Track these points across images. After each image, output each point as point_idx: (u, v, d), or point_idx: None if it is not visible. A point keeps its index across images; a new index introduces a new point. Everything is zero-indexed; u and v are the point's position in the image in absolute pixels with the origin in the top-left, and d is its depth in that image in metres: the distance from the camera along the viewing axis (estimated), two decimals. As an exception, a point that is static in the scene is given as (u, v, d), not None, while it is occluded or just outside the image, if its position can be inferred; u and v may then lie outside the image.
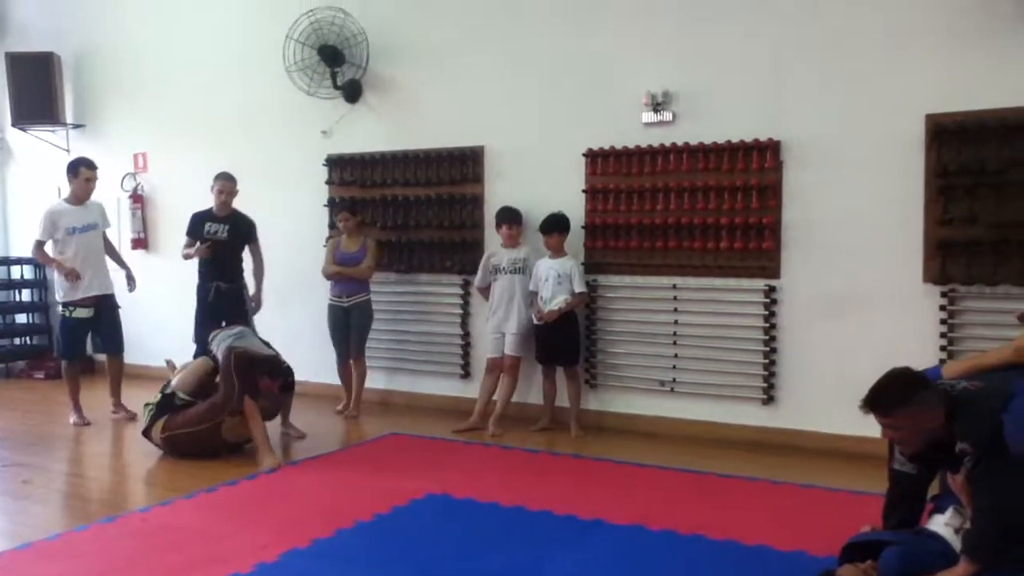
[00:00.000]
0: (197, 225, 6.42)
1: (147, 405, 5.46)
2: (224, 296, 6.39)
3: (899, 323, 5.18)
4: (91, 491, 4.92)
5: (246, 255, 6.60)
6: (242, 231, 6.48)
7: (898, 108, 5.12)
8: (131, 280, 6.60)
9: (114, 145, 8.10)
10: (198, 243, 6.34)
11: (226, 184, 6.36)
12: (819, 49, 5.35)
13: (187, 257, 6.43)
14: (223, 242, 6.38)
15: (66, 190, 6.42)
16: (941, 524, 3.00)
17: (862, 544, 3.09)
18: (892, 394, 3.01)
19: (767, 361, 5.58)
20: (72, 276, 6.14)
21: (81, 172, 6.18)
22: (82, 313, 6.23)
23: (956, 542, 2.90)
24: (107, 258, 6.51)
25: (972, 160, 4.92)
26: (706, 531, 3.90)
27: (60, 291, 6.26)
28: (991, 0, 4.87)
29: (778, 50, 5.46)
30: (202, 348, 6.34)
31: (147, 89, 8.10)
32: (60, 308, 6.29)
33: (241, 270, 6.54)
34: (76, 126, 8.52)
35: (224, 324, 6.20)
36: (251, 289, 6.61)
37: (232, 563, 3.55)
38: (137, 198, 8.19)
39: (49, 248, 6.25)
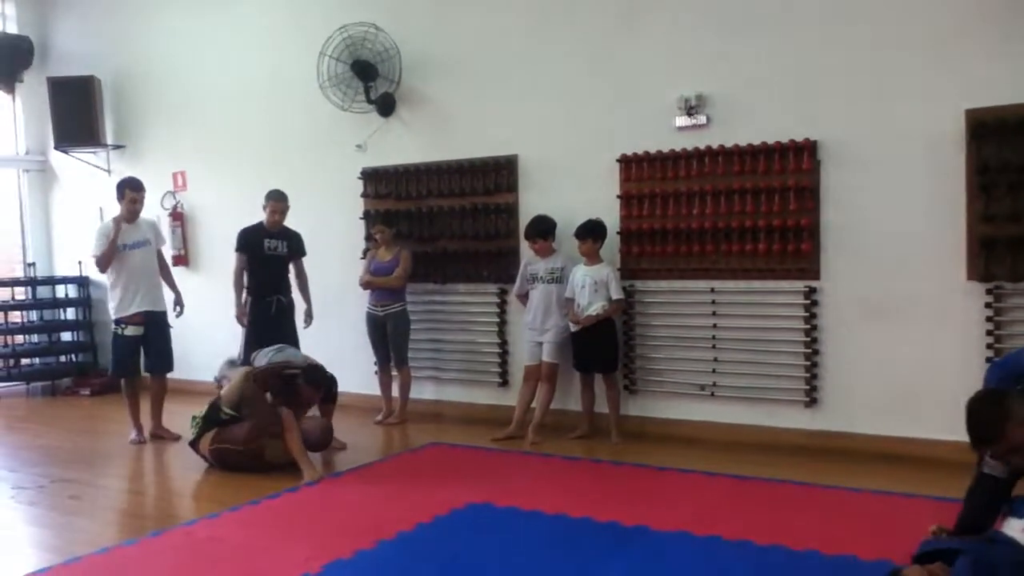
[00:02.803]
0: (253, 240, 6.49)
1: (194, 418, 5.51)
2: (285, 309, 6.52)
3: (943, 322, 5.10)
4: (138, 506, 4.99)
5: None
6: (297, 246, 6.64)
7: (936, 104, 5.05)
8: (179, 304, 6.63)
9: (153, 164, 8.23)
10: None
11: (278, 204, 6.48)
12: (853, 47, 5.28)
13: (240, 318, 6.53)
14: (282, 257, 6.54)
15: (108, 211, 6.49)
16: (1018, 530, 2.92)
17: (932, 552, 3.03)
18: (986, 419, 2.94)
19: (809, 363, 5.52)
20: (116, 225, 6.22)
21: (126, 193, 6.28)
22: (133, 331, 6.27)
23: None
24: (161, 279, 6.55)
25: (1014, 156, 4.82)
26: (752, 536, 3.85)
27: (112, 307, 6.32)
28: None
29: (812, 49, 5.40)
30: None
31: (185, 109, 8.24)
32: (112, 326, 6.34)
33: (290, 283, 6.65)
34: (116, 147, 8.68)
35: (283, 337, 6.31)
36: (297, 303, 6.69)
37: (276, 575, 3.58)
38: (177, 216, 8.32)
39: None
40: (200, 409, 5.52)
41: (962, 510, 3.24)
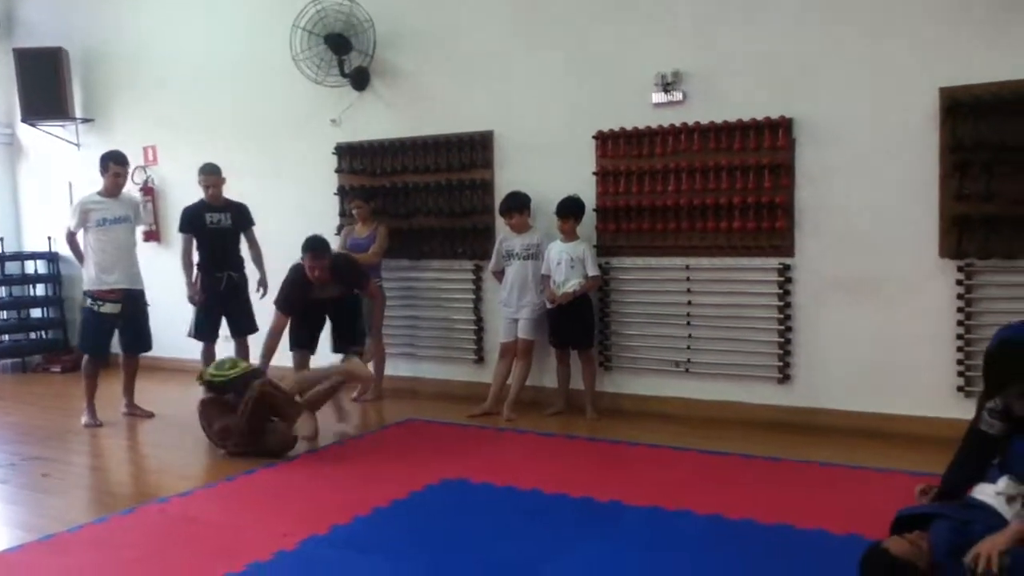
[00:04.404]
0: (195, 218, 6.39)
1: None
2: (236, 285, 6.44)
3: (915, 299, 5.15)
4: (110, 483, 4.96)
5: None
6: (243, 218, 6.52)
7: (911, 83, 5.07)
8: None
9: (123, 139, 8.07)
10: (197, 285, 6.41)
11: (209, 177, 6.36)
12: (829, 25, 5.28)
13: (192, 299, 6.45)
14: (227, 230, 6.43)
15: (77, 185, 6.37)
16: (991, 493, 2.97)
17: (909, 517, 3.07)
18: (1003, 363, 2.96)
19: (782, 340, 5.56)
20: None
21: (110, 167, 6.12)
22: (110, 308, 6.07)
23: (1007, 511, 2.88)
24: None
25: (989, 134, 4.85)
26: (724, 511, 3.89)
27: (88, 282, 6.14)
28: (1004, -31, 4.81)
29: (788, 27, 5.40)
30: (206, 339, 6.36)
31: (155, 82, 8.11)
32: (87, 301, 6.14)
33: (242, 258, 6.56)
34: (85, 120, 8.54)
35: (234, 313, 6.27)
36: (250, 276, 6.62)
37: (251, 551, 3.57)
38: (148, 191, 8.21)
39: (80, 238, 6.19)
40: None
41: (951, 465, 3.25)
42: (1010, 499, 2.91)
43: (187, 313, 6.60)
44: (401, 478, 4.52)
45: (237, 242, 6.53)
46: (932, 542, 2.88)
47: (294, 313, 5.70)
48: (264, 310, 6.55)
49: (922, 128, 5.04)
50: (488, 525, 3.88)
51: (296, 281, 5.63)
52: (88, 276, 6.15)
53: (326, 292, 5.70)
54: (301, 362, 5.88)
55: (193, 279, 6.42)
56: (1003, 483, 2.96)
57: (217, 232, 6.39)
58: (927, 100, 5.02)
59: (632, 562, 3.44)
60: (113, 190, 6.17)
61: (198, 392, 6.13)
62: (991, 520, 2.89)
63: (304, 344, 5.88)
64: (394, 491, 4.30)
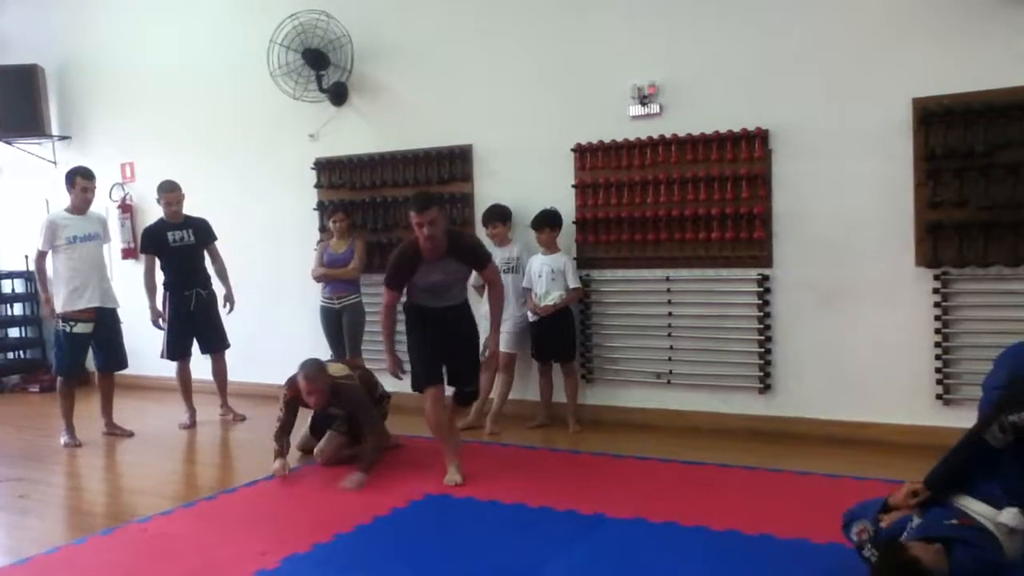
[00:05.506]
0: (157, 237, 6.35)
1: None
2: (205, 302, 6.41)
3: (892, 307, 5.19)
4: (89, 503, 4.90)
5: None
6: (205, 233, 6.49)
7: (884, 93, 5.12)
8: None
9: (101, 155, 8.03)
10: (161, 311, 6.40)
11: (170, 195, 6.33)
12: (804, 36, 5.33)
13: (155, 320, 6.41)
14: (191, 247, 6.39)
15: (54, 203, 6.30)
16: (990, 517, 2.89)
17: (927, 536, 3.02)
18: None
19: (762, 350, 5.58)
20: (48, 308, 6.01)
21: (77, 182, 6.00)
22: (83, 328, 5.97)
23: (1007, 542, 2.86)
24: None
25: (960, 143, 4.91)
26: (707, 522, 3.89)
27: (60, 302, 5.99)
28: (974, -18, 4.88)
29: (763, 38, 5.44)
30: (179, 359, 6.32)
31: (132, 98, 8.07)
32: (59, 322, 6.01)
33: (209, 274, 6.53)
34: (62, 138, 8.49)
35: (205, 332, 6.21)
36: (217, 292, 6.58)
37: (233, 571, 3.55)
38: (126, 208, 8.16)
39: (48, 259, 6.04)
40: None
41: (947, 468, 3.14)
42: (1012, 531, 2.87)
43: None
44: (384, 494, 4.49)
45: (202, 258, 6.49)
46: (956, 567, 2.83)
47: (401, 287, 4.89)
48: (233, 326, 6.57)
49: (896, 138, 5.10)
50: (472, 540, 3.86)
51: (405, 252, 4.80)
52: (58, 297, 5.99)
53: (438, 273, 4.79)
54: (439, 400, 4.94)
55: (157, 301, 6.38)
56: (1009, 515, 2.89)
57: (180, 250, 6.35)
58: (900, 110, 5.08)
59: (617, 575, 3.43)
60: (81, 206, 6.05)
61: (178, 411, 6.11)
62: (994, 545, 2.87)
63: (436, 367, 4.96)
64: (376, 508, 4.28)
